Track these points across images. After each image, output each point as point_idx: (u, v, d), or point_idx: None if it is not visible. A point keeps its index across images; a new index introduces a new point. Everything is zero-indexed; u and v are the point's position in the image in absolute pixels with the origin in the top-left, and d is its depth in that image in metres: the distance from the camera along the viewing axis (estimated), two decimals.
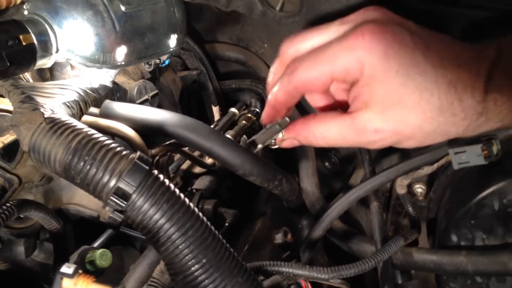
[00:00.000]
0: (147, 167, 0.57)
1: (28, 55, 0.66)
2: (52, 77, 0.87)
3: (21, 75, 0.75)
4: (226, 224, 0.89)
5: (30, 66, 0.67)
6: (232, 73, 1.38)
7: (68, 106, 0.68)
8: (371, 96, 0.51)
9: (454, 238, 0.80)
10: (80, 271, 0.58)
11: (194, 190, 0.97)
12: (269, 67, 1.27)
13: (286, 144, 0.62)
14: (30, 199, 0.70)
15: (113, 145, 0.58)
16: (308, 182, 1.05)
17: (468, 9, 0.70)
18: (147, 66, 1.05)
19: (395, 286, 0.87)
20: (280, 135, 0.62)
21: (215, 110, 1.32)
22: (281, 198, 1.00)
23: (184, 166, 1.07)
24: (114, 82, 0.84)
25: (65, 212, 0.77)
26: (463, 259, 0.77)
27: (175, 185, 0.59)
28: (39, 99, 0.65)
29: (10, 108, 0.78)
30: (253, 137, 0.64)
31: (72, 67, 0.86)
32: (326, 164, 1.26)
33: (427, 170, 0.80)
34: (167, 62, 1.12)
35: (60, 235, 0.72)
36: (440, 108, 0.48)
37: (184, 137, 0.85)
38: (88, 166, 0.56)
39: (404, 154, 1.01)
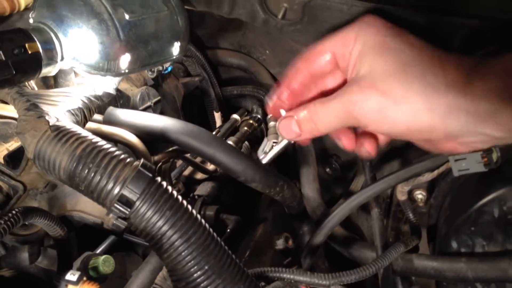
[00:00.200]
0: (150, 175, 0.57)
1: (34, 63, 0.67)
2: (56, 84, 0.88)
3: (26, 83, 0.75)
4: (228, 230, 0.89)
5: (35, 74, 0.68)
6: (234, 79, 1.39)
7: (72, 113, 0.69)
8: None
9: (454, 244, 0.81)
10: (84, 278, 0.59)
11: (196, 196, 0.98)
12: (270, 73, 1.29)
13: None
14: (35, 206, 0.71)
15: (117, 152, 0.59)
16: (309, 188, 1.06)
17: (468, 18, 0.71)
18: (150, 73, 1.06)
19: None
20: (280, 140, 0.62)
21: (217, 116, 1.33)
22: (282, 204, 1.01)
23: (186, 172, 1.08)
24: (117, 89, 0.85)
25: (69, 219, 0.77)
26: (463, 266, 0.77)
27: (177, 191, 0.60)
28: (44, 107, 0.66)
29: (15, 115, 0.79)
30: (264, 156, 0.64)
31: (76, 74, 0.87)
32: (327, 170, 1.27)
33: (428, 176, 0.80)
34: (169, 68, 1.13)
35: (64, 242, 0.73)
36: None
37: (187, 143, 0.85)
38: (93, 174, 0.57)
39: (405, 160, 1.01)
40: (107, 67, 0.73)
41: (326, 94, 0.59)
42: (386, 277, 0.84)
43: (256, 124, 1.19)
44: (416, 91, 0.49)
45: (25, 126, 0.61)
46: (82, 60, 0.72)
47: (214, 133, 1.07)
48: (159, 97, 1.11)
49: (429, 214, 0.96)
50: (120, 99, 1.03)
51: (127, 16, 0.73)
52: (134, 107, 1.04)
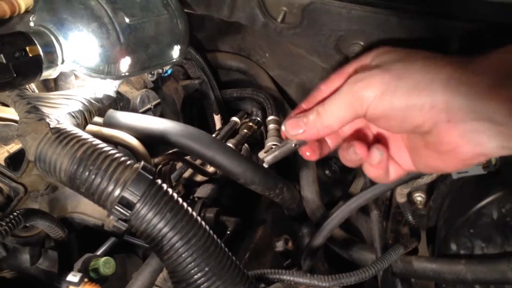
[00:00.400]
0: (151, 177, 0.58)
1: (34, 66, 0.67)
2: (56, 87, 0.89)
3: (26, 85, 0.76)
4: (228, 232, 0.89)
5: (36, 77, 0.68)
6: (234, 82, 1.39)
7: (73, 116, 0.69)
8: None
9: (453, 246, 0.81)
10: (86, 280, 0.59)
11: (196, 199, 0.98)
12: (270, 76, 1.29)
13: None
14: (36, 208, 0.71)
15: (117, 155, 0.59)
16: (309, 190, 1.06)
17: (467, 22, 0.71)
18: (149, 75, 1.06)
19: None
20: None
21: (217, 118, 1.33)
22: (282, 206, 1.01)
23: (186, 174, 1.08)
24: (117, 92, 0.85)
25: (70, 220, 0.78)
26: (463, 268, 0.77)
27: (177, 193, 0.60)
28: (45, 109, 0.66)
29: (16, 117, 0.80)
30: (265, 155, 0.60)
31: (76, 76, 0.87)
32: (327, 172, 1.27)
33: (427, 179, 0.81)
34: (169, 71, 1.14)
35: (65, 244, 0.73)
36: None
37: (187, 146, 0.86)
38: (93, 176, 0.57)
39: None
40: (107, 70, 0.73)
41: None
42: (385, 279, 0.85)
43: (256, 127, 1.19)
44: (417, 67, 0.49)
45: (26, 129, 0.62)
46: (82, 63, 0.73)
47: (213, 135, 1.07)
48: (159, 100, 1.11)
49: (428, 216, 0.96)
50: (120, 101, 1.03)
51: (127, 20, 0.73)
52: (134, 110, 1.05)
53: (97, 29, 0.70)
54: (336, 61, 0.92)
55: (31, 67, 0.67)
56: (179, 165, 1.09)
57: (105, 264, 0.68)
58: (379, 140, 0.60)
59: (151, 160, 0.87)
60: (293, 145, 0.57)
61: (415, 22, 0.75)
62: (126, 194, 0.56)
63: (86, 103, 0.74)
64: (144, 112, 1.06)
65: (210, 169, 1.06)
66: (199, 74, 1.28)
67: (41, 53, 0.67)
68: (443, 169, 0.52)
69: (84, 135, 0.61)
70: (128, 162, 0.59)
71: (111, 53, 0.72)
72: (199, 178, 1.07)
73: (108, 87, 0.81)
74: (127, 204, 0.56)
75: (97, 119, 0.90)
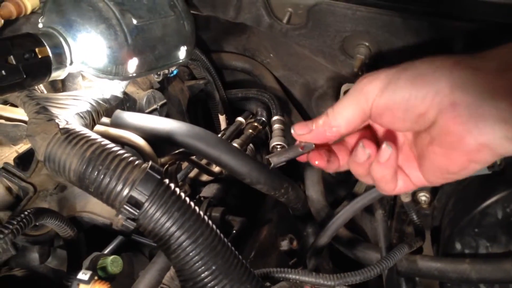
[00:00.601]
0: (159, 177, 0.59)
1: (43, 67, 0.68)
2: (64, 87, 0.90)
3: (35, 86, 0.77)
4: (234, 231, 0.90)
5: (45, 78, 0.69)
6: (238, 82, 1.40)
7: (81, 116, 0.70)
8: None
9: (458, 246, 0.81)
10: (96, 278, 0.60)
11: (202, 198, 0.99)
12: (274, 76, 1.30)
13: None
14: (46, 207, 0.72)
15: (126, 155, 0.60)
16: (314, 190, 1.07)
17: (471, 22, 0.72)
18: (156, 76, 1.07)
19: None
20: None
21: (222, 119, 1.34)
22: (287, 205, 1.02)
23: (192, 174, 1.09)
24: (124, 92, 0.86)
25: (79, 219, 0.79)
26: (467, 267, 0.78)
27: (184, 193, 0.61)
28: (54, 110, 0.67)
29: (24, 118, 0.81)
30: (272, 156, 0.59)
31: (83, 77, 0.88)
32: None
33: None
34: (175, 72, 1.14)
35: (73, 242, 0.74)
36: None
37: (193, 146, 0.87)
38: (102, 176, 0.58)
39: None
40: (115, 71, 0.74)
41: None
42: (390, 278, 0.85)
43: (261, 127, 1.20)
44: (423, 60, 0.49)
45: (35, 129, 0.63)
46: (90, 64, 0.74)
47: (219, 135, 1.08)
48: (164, 100, 1.12)
49: (432, 216, 0.97)
50: (126, 102, 1.04)
51: (134, 21, 0.74)
52: (140, 110, 1.05)
53: (105, 31, 0.71)
54: (341, 62, 0.93)
55: (41, 68, 0.68)
56: (185, 165, 1.09)
57: (112, 263, 0.69)
58: None
59: (157, 160, 0.88)
60: (300, 149, 0.57)
61: (419, 22, 0.76)
62: (135, 194, 0.57)
63: (94, 104, 0.75)
64: (150, 113, 1.07)
65: (216, 169, 1.07)
66: (204, 75, 1.29)
67: (50, 55, 0.68)
68: (449, 168, 0.50)
69: (93, 135, 0.62)
70: (137, 162, 0.60)
71: (119, 54, 0.73)
72: (205, 178, 1.08)
73: (116, 88, 0.82)
74: (136, 204, 0.57)
75: (105, 119, 0.91)
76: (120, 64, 0.74)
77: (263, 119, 1.23)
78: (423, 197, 0.96)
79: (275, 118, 1.17)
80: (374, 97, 0.51)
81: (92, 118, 0.73)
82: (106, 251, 0.84)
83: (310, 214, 1.05)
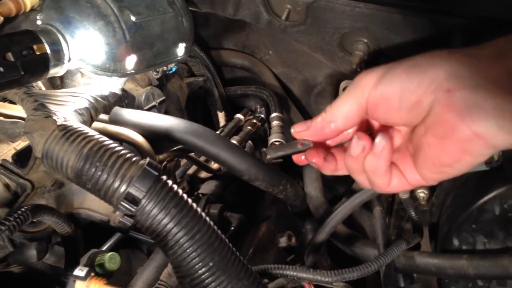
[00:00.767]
0: (156, 173, 0.59)
1: (42, 64, 0.68)
2: (63, 84, 0.90)
3: (33, 83, 0.77)
4: (232, 228, 0.90)
5: (43, 75, 0.69)
6: (238, 79, 1.40)
7: (79, 113, 0.70)
8: None
9: (455, 242, 0.82)
10: (92, 274, 0.60)
11: (200, 195, 0.99)
12: (274, 73, 1.30)
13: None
14: (43, 204, 0.72)
15: (123, 151, 0.60)
16: (312, 186, 1.07)
17: (470, 19, 0.72)
18: (154, 73, 1.07)
19: None
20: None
21: (221, 115, 1.34)
22: (285, 202, 1.02)
23: (191, 171, 1.09)
24: (122, 89, 0.86)
25: (76, 216, 0.79)
26: (465, 263, 0.78)
27: (182, 190, 0.61)
28: (52, 107, 0.67)
29: (22, 115, 0.81)
30: (268, 149, 0.59)
31: (82, 74, 0.88)
32: None
33: None
34: (174, 69, 1.14)
35: (71, 239, 0.74)
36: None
37: (191, 143, 0.87)
38: (100, 172, 0.58)
39: None
40: (113, 68, 0.74)
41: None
42: (388, 274, 0.85)
43: (260, 124, 1.20)
44: (420, 54, 0.48)
45: (33, 126, 0.63)
46: (89, 61, 0.73)
47: (218, 132, 1.08)
48: (163, 97, 1.12)
49: (430, 212, 0.97)
50: (125, 99, 1.04)
51: (133, 18, 0.74)
52: (139, 107, 1.05)
53: (103, 27, 0.71)
54: (340, 58, 0.93)
55: (39, 65, 0.68)
56: (183, 161, 1.09)
57: (110, 260, 0.69)
58: None
59: (156, 156, 0.88)
60: (298, 146, 0.57)
61: (418, 19, 0.76)
62: (132, 190, 0.57)
63: (92, 101, 0.75)
64: (149, 109, 1.07)
65: (214, 165, 1.07)
66: (203, 72, 1.29)
67: (48, 51, 0.68)
68: (442, 158, 0.49)
69: (91, 132, 0.62)
70: (134, 159, 0.60)
71: (117, 51, 0.73)
72: (203, 174, 1.08)
73: (114, 85, 0.82)
74: (133, 200, 0.57)
75: (103, 116, 0.91)
76: (119, 61, 0.74)
77: (262, 116, 1.23)
78: (421, 193, 0.97)
79: (273, 115, 1.17)
80: (370, 89, 0.50)
81: (90, 115, 0.73)
82: (104, 248, 0.85)
83: (308, 211, 1.05)
